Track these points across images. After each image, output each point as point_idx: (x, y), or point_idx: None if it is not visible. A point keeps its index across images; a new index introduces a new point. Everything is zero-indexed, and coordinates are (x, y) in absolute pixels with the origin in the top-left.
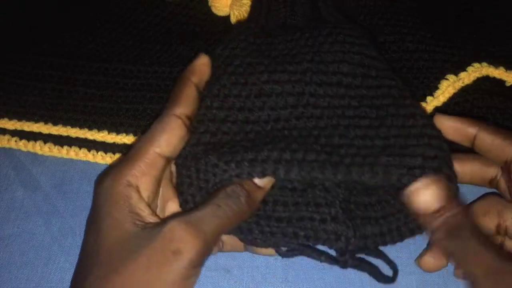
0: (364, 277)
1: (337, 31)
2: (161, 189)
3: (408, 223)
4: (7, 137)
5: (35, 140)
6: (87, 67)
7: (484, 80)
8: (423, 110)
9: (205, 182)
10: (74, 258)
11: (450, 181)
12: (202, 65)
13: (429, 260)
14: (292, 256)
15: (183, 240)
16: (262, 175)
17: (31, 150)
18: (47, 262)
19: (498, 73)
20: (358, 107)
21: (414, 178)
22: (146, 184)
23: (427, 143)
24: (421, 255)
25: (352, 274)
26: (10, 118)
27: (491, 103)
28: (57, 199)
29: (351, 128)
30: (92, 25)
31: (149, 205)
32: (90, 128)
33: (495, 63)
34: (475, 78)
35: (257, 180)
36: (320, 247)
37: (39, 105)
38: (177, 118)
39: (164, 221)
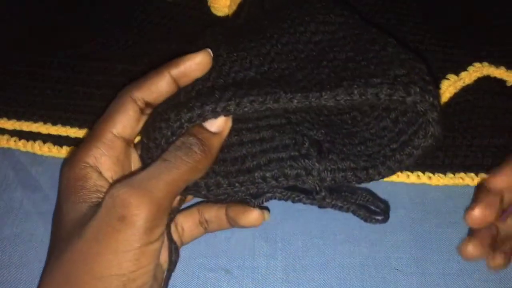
0: (365, 277)
1: (318, 4)
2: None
3: (388, 158)
4: (6, 137)
5: (34, 140)
6: (86, 67)
7: (485, 80)
8: (390, 38)
9: (162, 139)
10: None
11: (427, 91)
12: (194, 63)
13: (471, 248)
14: (264, 201)
15: (128, 205)
16: (214, 114)
17: (30, 150)
18: None
19: (499, 72)
20: (330, 40)
21: (391, 90)
22: (107, 165)
23: (401, 58)
24: (462, 243)
25: (353, 274)
26: (9, 118)
27: (492, 103)
28: (56, 199)
29: (321, 55)
30: (92, 25)
31: (108, 181)
32: (90, 128)
33: (496, 62)
34: (476, 78)
35: (210, 126)
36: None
37: (38, 105)
38: (133, 100)
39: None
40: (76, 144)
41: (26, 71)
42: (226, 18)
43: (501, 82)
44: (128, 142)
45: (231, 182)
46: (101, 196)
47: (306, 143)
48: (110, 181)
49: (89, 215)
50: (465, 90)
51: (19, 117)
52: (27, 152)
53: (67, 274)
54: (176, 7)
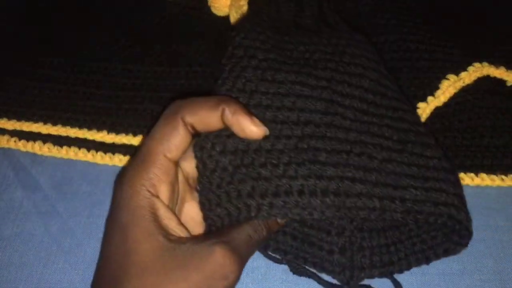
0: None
1: (355, 43)
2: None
3: (416, 252)
4: (6, 137)
5: (34, 140)
6: (86, 67)
7: (485, 80)
8: (435, 140)
9: (237, 211)
10: (73, 259)
11: (467, 215)
12: (248, 128)
13: None
14: (300, 275)
15: (232, 267)
16: (291, 219)
17: (30, 150)
18: (46, 262)
19: (499, 72)
20: (381, 126)
21: (440, 215)
22: (165, 193)
23: (446, 178)
24: None
25: None
26: (9, 118)
27: (491, 103)
28: (56, 199)
29: (378, 148)
30: (92, 25)
31: (175, 214)
32: (90, 128)
33: (496, 62)
34: (476, 78)
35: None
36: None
37: (38, 105)
38: (184, 124)
39: (198, 238)
40: (76, 144)
41: (26, 71)
42: (226, 18)
43: (501, 82)
44: (177, 165)
45: (277, 247)
46: (170, 231)
47: (345, 235)
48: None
49: (178, 257)
50: (465, 90)
51: (19, 117)
52: (27, 152)
53: None
54: (176, 7)
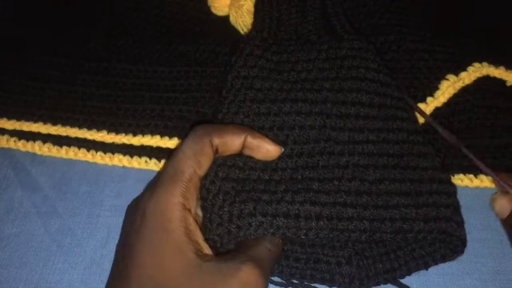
0: None
1: (353, 53)
2: None
3: (415, 258)
4: (6, 137)
5: (34, 140)
6: (86, 67)
7: (485, 80)
8: (432, 148)
9: (237, 229)
10: (73, 259)
11: (460, 225)
12: (266, 149)
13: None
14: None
15: (257, 284)
16: (292, 236)
17: (30, 150)
18: (46, 262)
19: (498, 72)
20: (376, 142)
21: (429, 232)
22: (194, 208)
23: (439, 190)
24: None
25: None
26: (9, 118)
27: (491, 103)
28: (56, 199)
29: (370, 169)
30: (92, 25)
31: (201, 230)
32: (89, 128)
33: (495, 62)
34: (476, 78)
35: None
36: None
37: (38, 105)
38: (211, 144)
39: (222, 256)
40: (76, 144)
41: (26, 71)
42: (226, 18)
43: (500, 82)
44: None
45: (282, 271)
46: (199, 247)
47: (349, 247)
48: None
49: (208, 275)
50: (465, 90)
51: (19, 117)
52: (27, 152)
53: None
54: (175, 6)
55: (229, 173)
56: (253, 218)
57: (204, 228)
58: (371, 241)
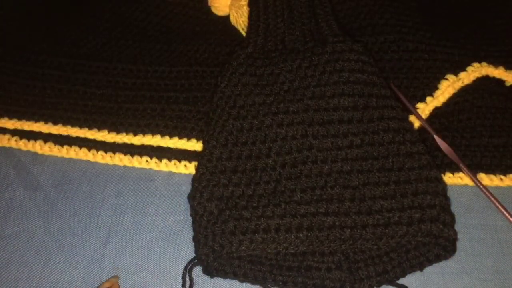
0: None
1: (336, 56)
2: None
3: (409, 259)
4: (7, 136)
5: (35, 139)
6: (87, 67)
7: (484, 80)
8: (422, 147)
9: (220, 247)
10: (73, 258)
11: (447, 225)
12: None
13: None
14: None
15: None
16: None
17: (31, 149)
18: (47, 261)
19: (498, 72)
20: (361, 146)
21: (414, 235)
22: None
23: (425, 190)
24: None
25: None
26: (10, 118)
27: (491, 103)
28: (57, 198)
29: (354, 174)
30: (92, 25)
31: None
32: (90, 128)
33: (495, 62)
34: (475, 78)
35: None
36: None
37: (39, 104)
38: None
39: None
40: (77, 143)
41: (27, 71)
42: (226, 18)
43: (500, 82)
44: None
45: (275, 279)
46: None
47: (338, 252)
48: None
49: None
50: (464, 90)
51: (20, 117)
52: (28, 152)
53: None
54: (176, 7)
55: (213, 192)
56: (234, 237)
57: (195, 248)
58: (354, 250)
